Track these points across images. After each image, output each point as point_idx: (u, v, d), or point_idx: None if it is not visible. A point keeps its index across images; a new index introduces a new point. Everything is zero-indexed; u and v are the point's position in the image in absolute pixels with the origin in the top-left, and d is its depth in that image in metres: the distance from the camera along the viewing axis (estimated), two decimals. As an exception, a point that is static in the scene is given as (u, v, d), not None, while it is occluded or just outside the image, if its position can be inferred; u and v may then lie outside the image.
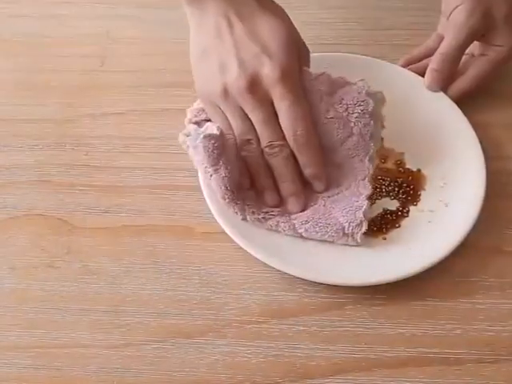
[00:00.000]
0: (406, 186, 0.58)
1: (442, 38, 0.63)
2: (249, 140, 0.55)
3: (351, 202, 0.54)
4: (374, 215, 0.57)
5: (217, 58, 0.55)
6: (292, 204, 0.55)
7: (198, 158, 0.54)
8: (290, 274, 0.53)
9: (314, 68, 0.58)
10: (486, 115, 0.62)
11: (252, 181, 0.56)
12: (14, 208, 0.59)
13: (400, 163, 0.60)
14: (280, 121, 0.54)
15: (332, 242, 0.54)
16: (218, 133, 0.53)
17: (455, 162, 0.59)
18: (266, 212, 0.55)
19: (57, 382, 0.51)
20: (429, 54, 0.65)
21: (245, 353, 0.51)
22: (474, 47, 0.63)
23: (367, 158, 0.56)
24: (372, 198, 0.57)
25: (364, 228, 0.53)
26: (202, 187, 0.56)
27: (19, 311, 0.54)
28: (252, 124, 0.54)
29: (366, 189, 0.55)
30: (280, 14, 0.56)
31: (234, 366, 0.51)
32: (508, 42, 0.61)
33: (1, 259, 0.56)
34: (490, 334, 0.52)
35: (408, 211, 0.57)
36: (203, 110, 0.58)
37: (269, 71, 0.53)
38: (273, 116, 0.54)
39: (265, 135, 0.54)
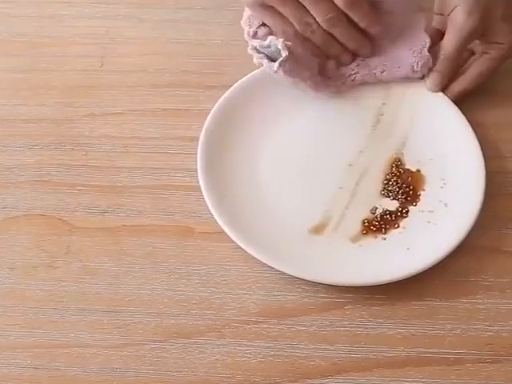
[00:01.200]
0: (406, 187, 0.58)
1: (438, 31, 0.63)
2: (307, 22, 0.59)
3: (414, 41, 0.61)
4: (374, 216, 0.57)
5: None
6: (364, 51, 0.62)
7: (280, 76, 0.58)
8: (289, 274, 0.53)
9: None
10: (485, 115, 0.62)
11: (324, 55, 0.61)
12: (13, 208, 0.59)
13: (399, 164, 0.60)
14: None
15: (332, 242, 0.55)
16: (286, 53, 0.56)
17: (454, 162, 0.59)
18: (349, 75, 0.62)
19: (56, 382, 0.51)
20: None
21: (244, 353, 0.51)
22: (475, 45, 0.63)
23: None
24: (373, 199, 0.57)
25: (430, 64, 0.61)
26: (201, 187, 0.56)
27: (19, 311, 0.54)
28: (303, 6, 0.58)
29: (421, 22, 0.61)
30: None
31: (234, 365, 0.51)
32: (508, 40, 0.61)
33: (0, 259, 0.56)
34: (489, 333, 0.52)
35: (407, 211, 0.57)
36: (254, 16, 0.61)
37: None
38: None
39: (318, 12, 0.58)
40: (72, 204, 0.59)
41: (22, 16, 0.72)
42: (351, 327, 0.52)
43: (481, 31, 0.61)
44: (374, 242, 0.55)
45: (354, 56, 0.62)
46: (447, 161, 0.59)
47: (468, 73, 0.62)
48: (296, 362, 0.51)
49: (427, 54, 0.60)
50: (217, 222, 0.55)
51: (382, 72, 0.62)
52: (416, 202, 0.58)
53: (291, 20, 0.59)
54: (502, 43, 0.61)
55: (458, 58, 0.62)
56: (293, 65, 0.57)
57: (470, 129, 0.59)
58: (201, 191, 0.56)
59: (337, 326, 0.52)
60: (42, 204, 0.59)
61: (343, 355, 0.51)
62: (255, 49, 0.58)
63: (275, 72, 0.57)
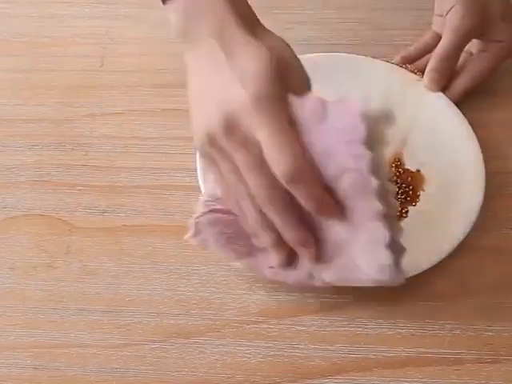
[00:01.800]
0: (406, 187, 0.58)
1: (438, 35, 0.63)
2: (239, 192, 0.47)
3: (374, 258, 0.47)
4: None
5: (200, 102, 0.48)
6: (302, 253, 0.48)
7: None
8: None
9: (315, 68, 0.58)
10: (485, 115, 0.62)
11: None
12: (13, 208, 0.59)
13: (399, 164, 0.60)
14: (265, 156, 0.44)
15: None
16: (206, 210, 0.50)
17: (454, 162, 0.59)
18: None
19: (56, 382, 0.51)
20: (426, 51, 0.65)
21: (244, 353, 0.51)
22: (472, 45, 0.63)
23: (373, 195, 0.45)
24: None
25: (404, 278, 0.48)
26: (201, 187, 0.56)
27: (18, 311, 0.54)
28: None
29: (381, 233, 0.46)
30: (269, 41, 0.48)
31: (234, 365, 0.51)
32: (508, 38, 0.61)
33: (0, 259, 0.56)
34: (489, 334, 0.52)
35: (407, 212, 0.57)
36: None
37: (241, 100, 0.44)
38: (258, 157, 0.45)
39: (251, 181, 0.45)
40: (72, 204, 0.59)
41: (22, 16, 0.72)
42: (351, 327, 0.52)
43: (479, 31, 0.61)
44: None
45: (292, 257, 0.48)
46: (447, 161, 0.59)
47: (469, 71, 0.62)
48: (296, 362, 0.51)
49: (387, 252, 0.46)
50: (217, 222, 0.55)
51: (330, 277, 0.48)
52: (416, 202, 0.58)
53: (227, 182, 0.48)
54: (502, 41, 0.61)
55: (455, 58, 0.62)
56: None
57: (470, 129, 0.59)
58: (200, 191, 0.56)
59: (337, 326, 0.52)
60: (41, 204, 0.59)
61: (343, 355, 0.51)
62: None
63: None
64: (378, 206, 0.45)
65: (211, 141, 0.46)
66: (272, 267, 0.49)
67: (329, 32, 0.69)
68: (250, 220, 0.48)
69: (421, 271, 0.53)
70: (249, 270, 0.54)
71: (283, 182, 0.44)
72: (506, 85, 0.65)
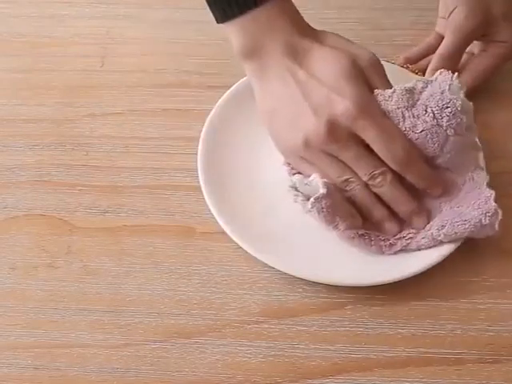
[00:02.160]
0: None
1: (441, 37, 0.63)
2: (347, 180, 0.53)
3: (476, 195, 0.54)
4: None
5: (289, 113, 0.53)
6: (417, 221, 0.54)
7: (315, 216, 0.53)
8: (290, 274, 0.53)
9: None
10: (488, 115, 0.62)
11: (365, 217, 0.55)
12: (14, 208, 0.59)
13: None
14: (375, 151, 0.52)
15: (332, 243, 0.55)
16: (324, 192, 0.51)
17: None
18: (401, 237, 0.54)
19: (57, 382, 0.51)
20: (429, 52, 0.65)
21: (245, 353, 0.51)
22: (474, 46, 0.63)
23: (472, 149, 0.55)
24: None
25: (500, 216, 0.52)
26: (202, 187, 0.56)
27: (19, 311, 0.54)
28: (344, 163, 0.53)
29: (482, 177, 0.54)
30: (334, 42, 0.54)
31: (234, 366, 0.51)
32: (511, 38, 0.61)
33: (1, 259, 0.56)
34: (490, 334, 0.52)
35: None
36: None
37: (344, 110, 0.51)
38: (362, 148, 0.52)
39: (362, 170, 0.52)
40: (72, 204, 0.59)
41: (22, 16, 0.72)
42: (352, 327, 0.52)
43: (481, 31, 0.61)
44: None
45: (401, 225, 0.55)
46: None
47: (470, 70, 0.62)
48: (297, 362, 0.51)
49: (494, 204, 0.53)
50: (217, 222, 0.55)
51: (439, 229, 0.53)
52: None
53: (330, 176, 0.53)
54: (505, 41, 0.61)
55: (457, 58, 0.62)
56: (328, 207, 0.52)
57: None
58: (201, 191, 0.56)
59: (337, 326, 0.52)
60: (42, 204, 0.59)
61: (344, 355, 0.51)
62: (294, 186, 0.54)
63: (310, 211, 0.52)
64: (476, 155, 0.55)
65: (308, 146, 0.52)
66: (383, 240, 0.54)
67: (329, 32, 0.69)
68: (360, 202, 0.54)
69: (421, 271, 0.53)
70: (250, 271, 0.54)
71: (397, 168, 0.52)
72: (509, 86, 0.65)
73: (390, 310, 0.53)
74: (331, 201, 0.52)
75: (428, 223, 0.54)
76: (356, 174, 0.53)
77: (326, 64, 0.52)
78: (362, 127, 0.51)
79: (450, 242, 0.53)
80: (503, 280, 0.54)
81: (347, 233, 0.53)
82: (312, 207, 0.51)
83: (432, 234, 0.53)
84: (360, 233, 0.53)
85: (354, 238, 0.53)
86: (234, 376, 0.50)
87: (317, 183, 0.52)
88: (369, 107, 0.51)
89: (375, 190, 0.53)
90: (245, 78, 0.62)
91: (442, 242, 0.53)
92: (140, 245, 0.56)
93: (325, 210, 0.51)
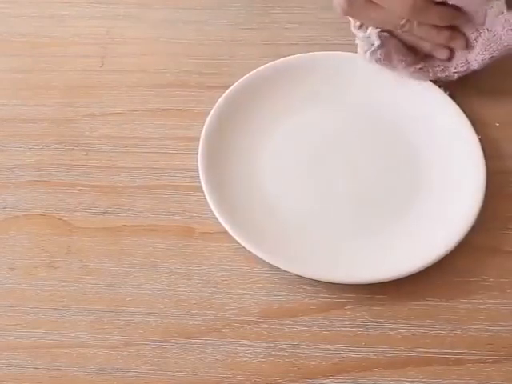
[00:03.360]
0: (406, 186, 0.59)
1: None
2: (394, 24, 0.58)
3: (503, 20, 0.58)
4: (374, 215, 0.57)
5: None
6: (459, 44, 0.60)
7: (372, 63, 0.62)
8: (290, 274, 0.53)
9: (314, 68, 0.58)
10: (486, 114, 0.62)
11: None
12: (14, 208, 0.59)
13: (400, 163, 0.60)
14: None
15: (332, 241, 0.55)
16: (379, 42, 0.59)
17: (454, 162, 0.59)
18: (451, 62, 0.61)
19: (57, 382, 0.51)
20: None
21: (245, 353, 0.51)
22: None
23: None
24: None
25: None
26: (202, 187, 0.56)
27: (19, 311, 0.54)
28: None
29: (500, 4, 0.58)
30: None
31: (234, 366, 0.51)
32: None
33: (0, 259, 0.56)
34: (490, 333, 0.52)
35: (408, 211, 0.58)
36: None
37: None
38: None
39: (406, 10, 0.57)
40: (72, 204, 0.59)
41: (22, 16, 0.72)
42: (352, 327, 0.52)
43: None
44: (374, 241, 0.55)
45: (451, 52, 0.62)
46: (447, 160, 0.59)
47: None
48: (297, 362, 0.51)
49: None
50: (217, 222, 0.55)
51: (479, 54, 0.60)
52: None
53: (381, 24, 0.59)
54: None
55: None
56: (385, 55, 0.60)
57: (470, 128, 0.59)
58: (201, 191, 0.56)
59: (337, 326, 0.52)
60: (42, 204, 0.59)
61: (344, 355, 0.51)
62: (360, 39, 0.61)
63: (369, 61, 0.61)
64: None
65: (350, 4, 0.58)
66: (437, 66, 0.62)
67: (329, 32, 0.69)
68: (415, 33, 0.60)
69: (421, 271, 0.53)
70: (251, 271, 0.55)
71: (410, 17, 0.58)
72: (507, 84, 0.64)
73: (389, 310, 0.53)
74: (386, 49, 0.60)
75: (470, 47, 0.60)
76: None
77: None
78: None
79: (446, 242, 0.54)
80: (503, 280, 0.54)
81: (408, 69, 0.61)
82: (370, 58, 0.61)
83: (478, 52, 0.60)
84: (418, 67, 0.61)
85: (414, 72, 0.61)
86: (234, 376, 0.50)
87: (372, 35, 0.59)
88: None
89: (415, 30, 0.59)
90: (244, 78, 0.62)
91: (440, 243, 0.53)
92: (140, 245, 0.56)
93: (382, 58, 0.60)
